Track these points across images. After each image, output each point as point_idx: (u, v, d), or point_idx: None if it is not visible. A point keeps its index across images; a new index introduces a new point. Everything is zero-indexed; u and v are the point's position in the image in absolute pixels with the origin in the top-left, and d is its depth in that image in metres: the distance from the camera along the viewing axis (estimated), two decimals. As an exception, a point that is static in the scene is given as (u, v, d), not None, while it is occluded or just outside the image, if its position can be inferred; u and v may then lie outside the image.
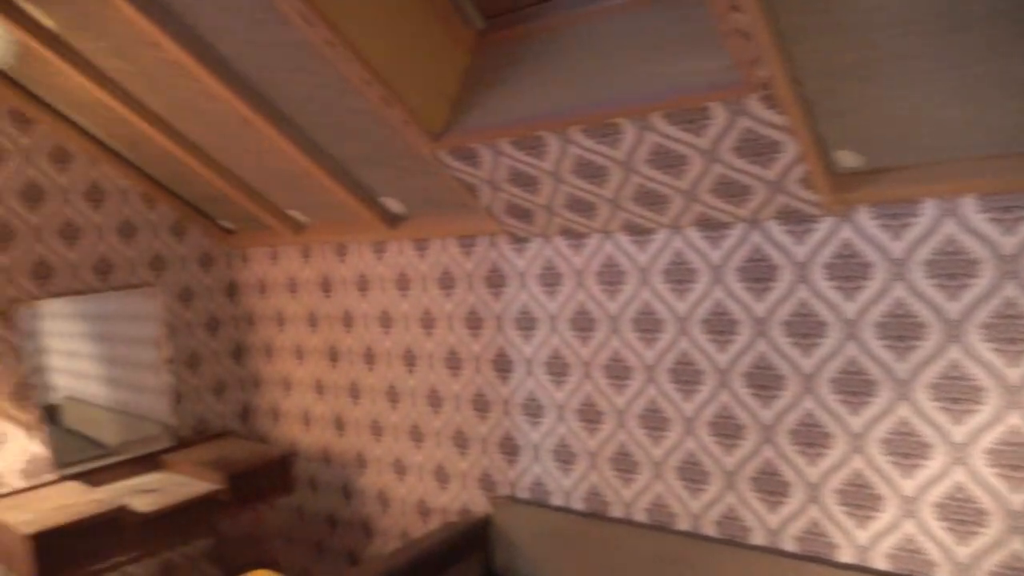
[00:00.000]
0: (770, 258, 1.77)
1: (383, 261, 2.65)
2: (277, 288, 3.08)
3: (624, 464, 2.09)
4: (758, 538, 1.87)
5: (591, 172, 1.82)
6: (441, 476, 2.58)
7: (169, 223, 3.00)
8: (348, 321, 2.81)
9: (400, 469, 2.71)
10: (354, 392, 2.84)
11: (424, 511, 2.65)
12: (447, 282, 2.46)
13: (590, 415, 2.15)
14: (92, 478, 2.67)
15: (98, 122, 2.62)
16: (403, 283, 2.59)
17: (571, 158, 1.80)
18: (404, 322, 2.61)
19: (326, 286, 2.87)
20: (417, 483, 2.66)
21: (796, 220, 1.72)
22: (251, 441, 3.05)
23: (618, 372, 2.07)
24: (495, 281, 2.32)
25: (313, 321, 2.95)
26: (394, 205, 2.48)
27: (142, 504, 2.42)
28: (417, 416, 2.62)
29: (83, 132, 2.71)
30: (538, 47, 1.86)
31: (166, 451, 2.89)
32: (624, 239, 2.01)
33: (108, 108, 2.47)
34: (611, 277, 2.05)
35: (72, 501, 2.37)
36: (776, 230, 1.75)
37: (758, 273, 1.79)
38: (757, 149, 1.56)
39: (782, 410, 1.79)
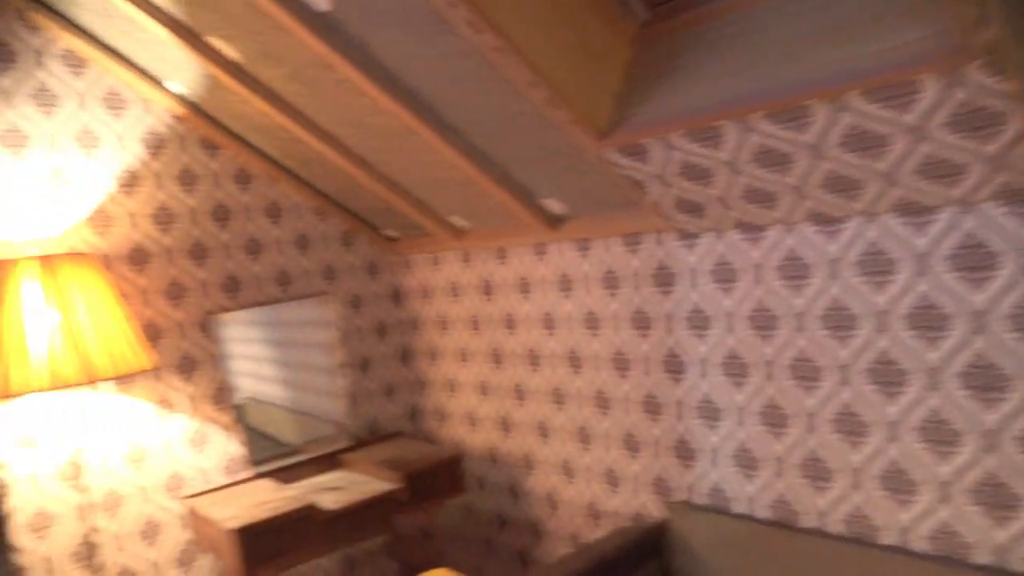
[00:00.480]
0: (988, 244, 1.57)
1: (544, 263, 2.64)
2: (439, 293, 3.16)
3: (816, 471, 1.95)
4: (981, 556, 1.68)
5: (774, 160, 1.70)
6: (611, 479, 2.53)
7: (339, 234, 3.16)
8: (510, 324, 2.83)
9: (568, 471, 2.69)
10: (519, 394, 2.85)
11: (594, 514, 2.62)
12: (611, 282, 2.41)
13: (774, 418, 2.02)
14: (282, 476, 2.86)
15: (275, 144, 2.80)
16: (565, 284, 2.57)
17: (751, 146, 1.69)
18: (567, 323, 2.59)
19: (487, 289, 2.91)
20: (586, 486, 2.63)
21: (1021, 200, 1.52)
22: (422, 442, 3.15)
23: (806, 372, 1.93)
24: (663, 279, 2.24)
25: (475, 324, 3.00)
26: (555, 206, 2.46)
27: (328, 502, 2.56)
28: (584, 418, 2.59)
29: (262, 154, 2.90)
30: (706, 35, 1.77)
31: (345, 451, 3.05)
32: (809, 229, 1.87)
33: (284, 130, 2.62)
34: (795, 271, 1.91)
35: (267, 498, 2.54)
36: (995, 213, 1.56)
37: (973, 261, 1.60)
38: (975, 123, 1.39)
39: (1009, 414, 1.59)
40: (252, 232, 2.91)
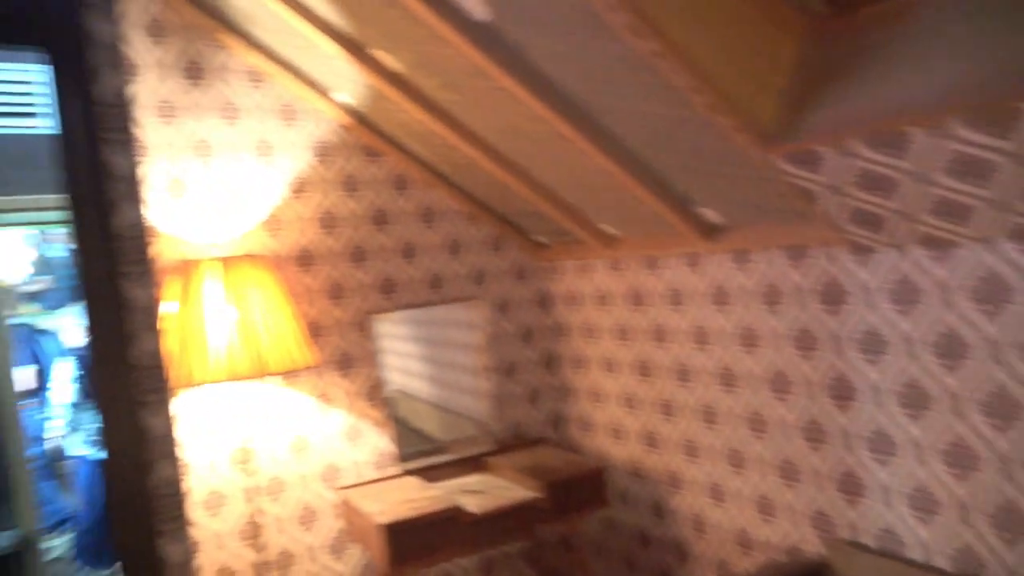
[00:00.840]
0: None
1: (698, 274, 2.53)
2: (587, 300, 3.12)
3: (1009, 522, 1.71)
4: None
5: (972, 169, 1.50)
6: (765, 507, 2.37)
7: (489, 239, 3.20)
8: (660, 336, 2.73)
9: (717, 494, 2.56)
10: (666, 409, 2.75)
11: (744, 543, 2.47)
12: (772, 297, 2.25)
13: (961, 458, 1.80)
14: (427, 474, 2.93)
15: (431, 151, 2.88)
16: (720, 297, 2.44)
17: (944, 154, 1.51)
18: (721, 339, 2.46)
19: (637, 299, 2.83)
20: (737, 511, 2.48)
21: None
22: (565, 450, 3.12)
23: (1002, 410, 1.70)
24: (832, 297, 2.06)
25: (623, 334, 2.93)
26: (711, 215, 2.34)
27: (472, 504, 2.59)
28: (737, 440, 2.45)
29: (419, 161, 2.99)
30: (893, 30, 1.59)
31: (488, 454, 3.08)
32: (1011, 248, 1.64)
33: (440, 137, 2.69)
34: (992, 294, 1.69)
35: (414, 496, 2.61)
36: None
37: None
38: None
39: None
40: (408, 236, 3.01)
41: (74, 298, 5.04)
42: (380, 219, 2.95)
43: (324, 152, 2.84)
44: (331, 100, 2.80)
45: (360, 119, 2.86)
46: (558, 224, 2.96)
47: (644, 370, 2.84)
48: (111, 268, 1.51)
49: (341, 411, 2.84)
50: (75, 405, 4.31)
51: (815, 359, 2.14)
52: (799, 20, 1.76)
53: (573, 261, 3.16)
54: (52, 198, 3.21)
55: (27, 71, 3.30)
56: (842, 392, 2.07)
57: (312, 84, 2.76)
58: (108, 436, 1.51)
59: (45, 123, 3.22)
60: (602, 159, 2.25)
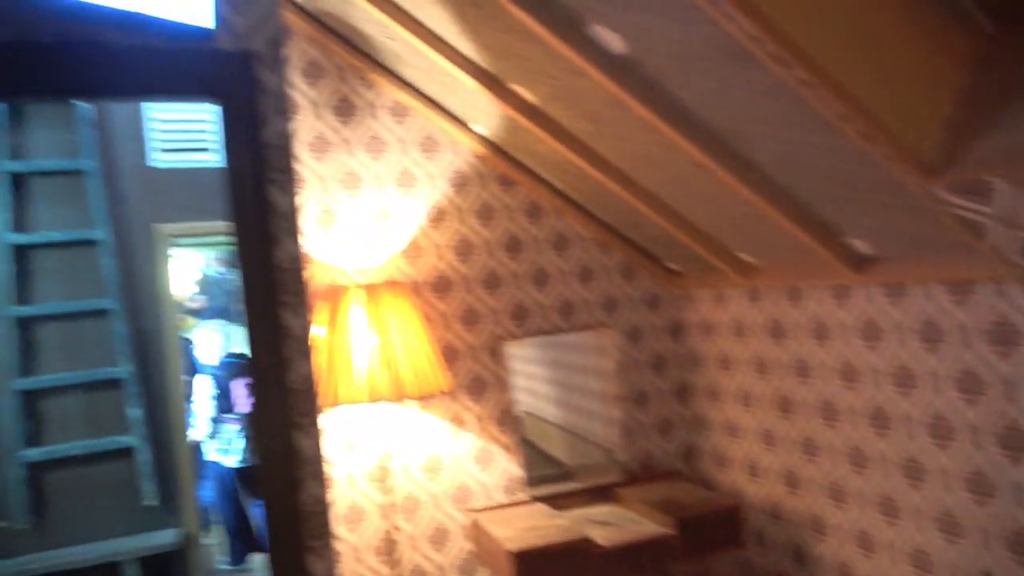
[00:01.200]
0: None
1: (845, 307, 2.38)
2: (723, 330, 3.02)
3: None
4: None
5: None
6: (921, 563, 2.18)
7: (620, 266, 3.18)
8: (802, 371, 2.60)
9: (866, 544, 2.38)
10: (809, 448, 2.60)
11: (898, 599, 2.28)
12: (931, 335, 2.08)
13: None
14: (556, 502, 2.93)
15: (564, 179, 2.90)
16: (871, 333, 2.29)
17: None
18: (872, 377, 2.30)
19: (776, 332, 2.71)
20: (890, 565, 2.30)
21: None
22: (697, 486, 3.02)
23: None
24: (1003, 337, 1.88)
25: (761, 367, 2.81)
26: (861, 246, 2.21)
27: (600, 536, 2.56)
28: (889, 487, 2.27)
29: (552, 188, 3.03)
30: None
31: (617, 484, 3.03)
32: None
33: (574, 166, 2.71)
34: None
35: (543, 524, 2.61)
36: None
37: None
38: None
39: None
40: (540, 263, 3.05)
41: (222, 317, 5.49)
42: (513, 246, 3.01)
43: (461, 182, 2.93)
44: (469, 131, 2.89)
45: (495, 149, 2.93)
46: (692, 252, 2.89)
47: (784, 406, 2.71)
48: (271, 298, 1.62)
49: (472, 435, 2.90)
50: (213, 419, 4.67)
51: (982, 404, 1.95)
52: (964, 41, 1.64)
53: (708, 290, 3.08)
54: (217, 225, 3.52)
55: (199, 111, 3.65)
56: (1014, 443, 1.88)
57: (452, 117, 2.86)
58: (264, 455, 1.62)
59: (213, 157, 3.54)
60: (742, 188, 2.18)
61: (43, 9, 1.43)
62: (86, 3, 1.40)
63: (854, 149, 1.76)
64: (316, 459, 1.69)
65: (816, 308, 2.51)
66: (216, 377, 4.75)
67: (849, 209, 2.06)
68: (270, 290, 1.62)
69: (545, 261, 3.06)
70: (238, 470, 4.59)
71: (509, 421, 2.96)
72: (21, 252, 3.21)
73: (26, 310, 3.19)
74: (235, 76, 1.58)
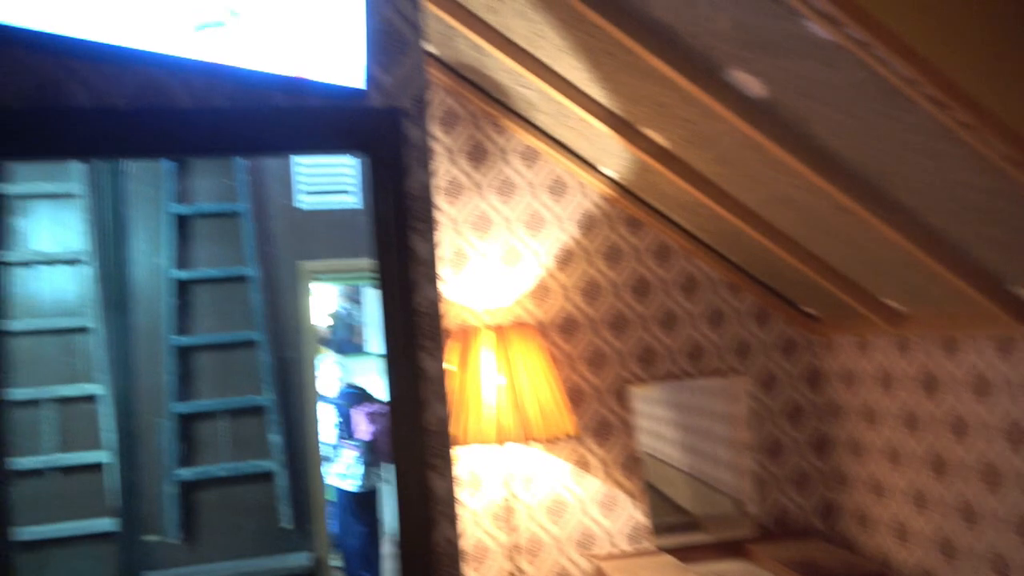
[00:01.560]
0: None
1: (1010, 361, 2.18)
2: (866, 381, 2.83)
3: None
4: None
5: None
6: (1110, 655, 1.93)
7: (753, 310, 3.06)
8: (959, 428, 2.39)
9: (1039, 627, 2.14)
10: (968, 514, 2.38)
11: None
12: (1119, 396, 1.86)
13: None
14: (683, 555, 2.82)
15: (694, 220, 2.85)
16: (1043, 391, 2.08)
17: None
18: (1045, 440, 2.08)
19: (929, 384, 2.51)
20: (1069, 653, 2.05)
21: None
22: (837, 547, 2.83)
23: None
24: None
25: (912, 422, 2.60)
26: (1031, 295, 2.02)
27: (731, 595, 2.44)
28: (1068, 565, 2.03)
29: (681, 229, 2.98)
30: None
31: (749, 540, 2.89)
32: None
33: (705, 207, 2.65)
34: None
35: (669, 576, 2.53)
36: None
37: None
38: None
39: None
40: (668, 306, 2.99)
41: (342, 350, 5.79)
42: (640, 288, 2.97)
43: (589, 223, 2.94)
44: (597, 173, 2.91)
45: (623, 191, 2.93)
46: (832, 296, 2.74)
47: (939, 466, 2.49)
48: (410, 341, 1.69)
49: (597, 478, 2.86)
50: (335, 445, 4.87)
51: None
52: None
53: (850, 337, 2.91)
54: (354, 262, 3.72)
55: (341, 157, 3.88)
56: None
57: (580, 159, 2.89)
58: (400, 495, 1.67)
59: (352, 199, 3.75)
60: (890, 232, 2.06)
61: (219, 77, 1.58)
62: (254, 71, 1.54)
63: (1019, 191, 1.62)
64: (449, 500, 1.72)
65: (975, 360, 2.31)
66: (338, 405, 4.99)
67: (1011, 254, 1.90)
68: (409, 334, 1.69)
69: (673, 303, 3.00)
70: (355, 495, 4.77)
71: (634, 466, 2.90)
72: (183, 287, 3.52)
73: (185, 340, 3.49)
74: (383, 131, 1.68)
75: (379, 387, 5.19)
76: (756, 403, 3.05)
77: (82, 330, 3.37)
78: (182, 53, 1.46)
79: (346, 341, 6.03)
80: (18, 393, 3.18)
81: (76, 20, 1.35)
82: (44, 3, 1.31)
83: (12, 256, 3.30)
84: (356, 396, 5.05)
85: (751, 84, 1.84)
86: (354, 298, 6.16)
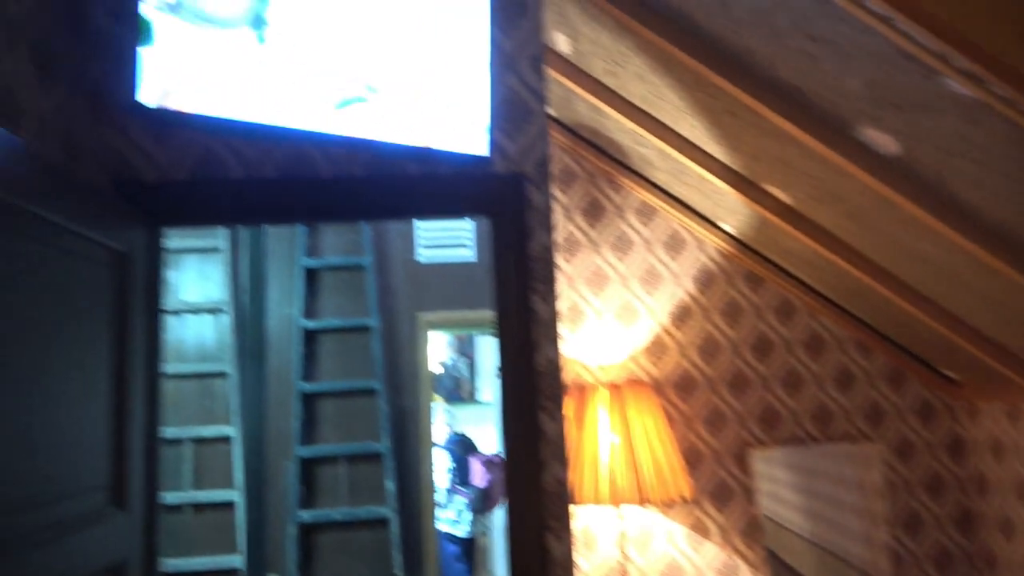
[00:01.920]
0: None
1: None
2: (1019, 453, 2.59)
3: None
4: None
5: None
6: None
7: (886, 372, 2.89)
8: None
9: None
10: None
11: None
12: None
13: None
14: (810, 632, 2.65)
15: (819, 277, 2.74)
16: None
17: None
18: None
19: (1095, 461, 2.27)
20: None
21: None
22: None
23: None
24: None
25: (1074, 502, 2.35)
26: None
27: None
28: None
29: (805, 286, 2.87)
30: None
31: (884, 622, 2.67)
32: None
33: (831, 263, 2.55)
34: None
35: (796, 657, 2.37)
36: None
37: None
38: None
39: None
40: (791, 365, 2.87)
41: (449, 399, 5.92)
42: (761, 347, 2.87)
43: (706, 279, 2.89)
44: (715, 229, 2.86)
45: (743, 246, 2.86)
46: (975, 359, 2.55)
47: (1109, 554, 2.23)
48: (531, 401, 1.70)
49: (715, 545, 2.75)
50: (448, 490, 4.91)
51: None
52: None
53: (997, 403, 2.68)
54: (470, 314, 3.82)
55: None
56: None
57: (698, 215, 2.86)
58: (516, 556, 1.67)
59: (468, 252, 3.86)
60: (1043, 294, 1.91)
61: (356, 149, 1.70)
62: (388, 143, 1.64)
63: None
64: (566, 562, 1.70)
65: None
66: (451, 452, 5.06)
67: None
68: (529, 394, 1.71)
69: (797, 363, 2.87)
70: (463, 540, 4.79)
71: (755, 534, 2.77)
72: (310, 336, 3.72)
73: (310, 386, 3.67)
74: (506, 196, 1.73)
75: (486, 436, 5.26)
76: (891, 472, 2.85)
77: (220, 375, 3.61)
78: (325, 128, 1.58)
79: (452, 391, 6.17)
80: (165, 432, 3.44)
81: (236, 103, 1.49)
82: (209, 91, 1.46)
83: (165, 305, 3.61)
84: (463, 444, 5.13)
85: (883, 141, 1.78)
86: (461, 349, 6.30)
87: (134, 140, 1.67)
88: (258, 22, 1.46)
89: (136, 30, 1.34)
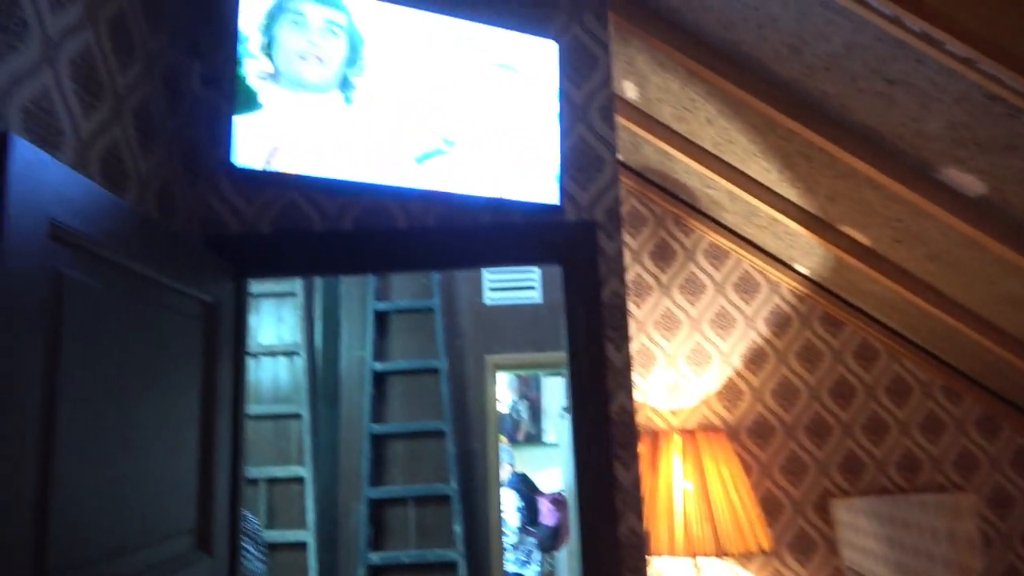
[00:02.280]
0: None
1: None
2: None
3: None
4: None
5: None
6: None
7: (978, 418, 2.74)
8: None
9: None
10: None
11: None
12: None
13: None
14: None
15: (902, 319, 2.64)
16: None
17: None
18: None
19: None
20: None
21: None
22: None
23: None
24: None
25: None
26: None
27: None
28: None
29: (887, 329, 2.76)
30: None
31: None
32: None
33: (915, 306, 2.45)
34: None
35: None
36: None
37: None
38: None
39: None
40: (874, 411, 2.76)
41: (511, 439, 5.90)
42: (841, 391, 2.77)
43: (781, 322, 2.82)
44: (789, 271, 2.80)
45: (819, 288, 2.79)
46: (1079, 407, 2.40)
47: None
48: (604, 450, 1.69)
49: (797, 600, 2.63)
50: (518, 528, 4.86)
51: None
52: None
53: (1104, 454, 2.50)
54: (536, 356, 3.82)
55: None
56: None
57: (771, 257, 2.81)
58: (593, 608, 1.64)
59: (534, 295, 3.88)
60: None
61: (431, 201, 1.74)
62: (462, 194, 1.68)
63: None
64: (643, 618, 1.66)
65: None
66: (520, 492, 5.01)
67: None
68: (602, 442, 1.69)
69: (880, 409, 2.76)
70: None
71: (840, 589, 2.64)
72: (379, 378, 3.78)
73: (380, 428, 3.71)
74: (578, 244, 1.74)
75: (549, 478, 5.21)
76: (985, 524, 2.68)
77: (294, 416, 3.70)
78: (405, 181, 1.63)
79: (511, 433, 6.16)
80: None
81: (325, 160, 1.55)
82: (304, 150, 1.53)
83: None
84: (527, 483, 5.09)
85: (967, 182, 1.72)
86: (522, 391, 6.30)
87: (223, 196, 1.76)
88: (346, 85, 1.53)
89: (231, 97, 1.43)
